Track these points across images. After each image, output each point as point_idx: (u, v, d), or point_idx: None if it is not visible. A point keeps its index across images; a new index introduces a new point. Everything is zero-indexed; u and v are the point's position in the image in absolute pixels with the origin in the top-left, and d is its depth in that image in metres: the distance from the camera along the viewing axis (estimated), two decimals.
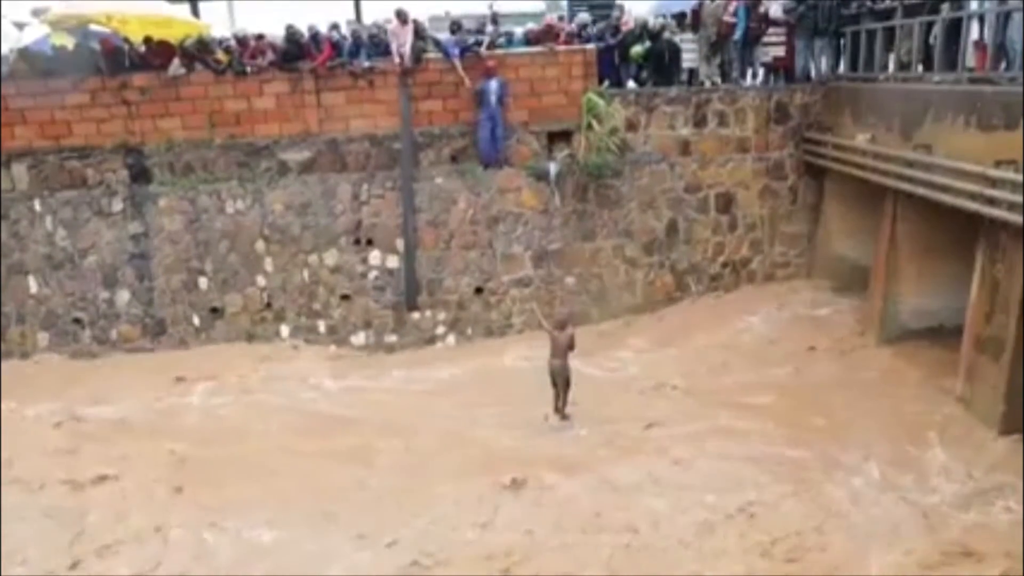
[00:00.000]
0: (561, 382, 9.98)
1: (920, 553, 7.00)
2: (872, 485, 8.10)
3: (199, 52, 12.54)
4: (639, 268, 13.34)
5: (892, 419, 9.20)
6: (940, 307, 10.85)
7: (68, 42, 12.82)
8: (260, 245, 12.83)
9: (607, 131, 12.77)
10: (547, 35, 13.34)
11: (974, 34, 10.09)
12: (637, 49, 13.08)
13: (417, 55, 12.49)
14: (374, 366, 12.39)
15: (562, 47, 13.09)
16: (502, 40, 13.49)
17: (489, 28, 13.72)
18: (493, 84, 12.43)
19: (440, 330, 13.17)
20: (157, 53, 12.62)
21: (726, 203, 13.36)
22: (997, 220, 8.63)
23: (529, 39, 13.55)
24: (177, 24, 13.94)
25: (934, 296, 10.96)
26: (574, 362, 10.00)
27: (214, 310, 12.88)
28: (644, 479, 8.41)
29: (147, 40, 12.70)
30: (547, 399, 9.98)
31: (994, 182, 8.61)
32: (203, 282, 12.81)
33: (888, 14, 11.74)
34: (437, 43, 12.88)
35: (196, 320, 12.86)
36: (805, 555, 7.12)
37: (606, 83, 13.18)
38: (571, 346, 9.93)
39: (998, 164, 8.55)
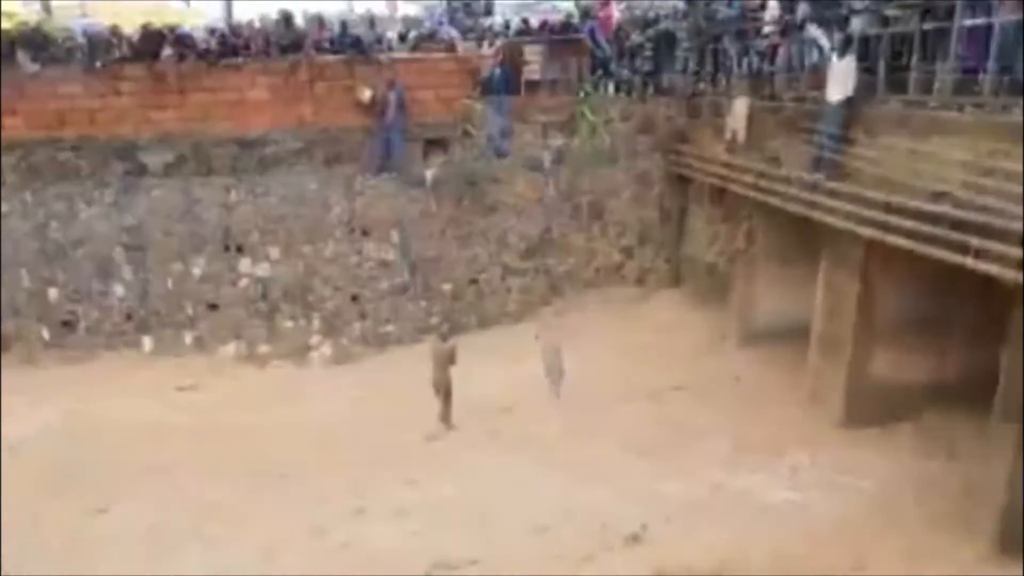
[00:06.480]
0: (444, 392, 10.07)
1: (762, 547, 7.37)
2: (720, 483, 8.51)
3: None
4: (515, 274, 13.54)
5: (748, 418, 9.70)
6: (794, 309, 11.51)
7: None
8: (118, 253, 12.12)
9: (483, 138, 12.91)
10: (429, 41, 13.40)
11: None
12: None
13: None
14: None
15: (439, 55, 13.14)
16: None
17: (361, 30, 13.53)
18: (393, 94, 12.27)
19: (315, 339, 12.86)
20: None
21: (598, 210, 13.77)
22: (838, 228, 9.28)
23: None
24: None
25: (787, 299, 11.64)
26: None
27: (66, 323, 12.04)
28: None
29: None
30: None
31: (834, 193, 9.28)
32: (53, 293, 11.96)
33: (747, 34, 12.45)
34: None
35: (45, 334, 11.98)
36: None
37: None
38: (452, 359, 10.01)
39: (936, 196, 7.83)
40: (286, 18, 12.66)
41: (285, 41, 12.47)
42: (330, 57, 12.56)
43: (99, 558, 7.50)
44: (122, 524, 8.10)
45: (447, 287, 13.23)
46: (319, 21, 13.19)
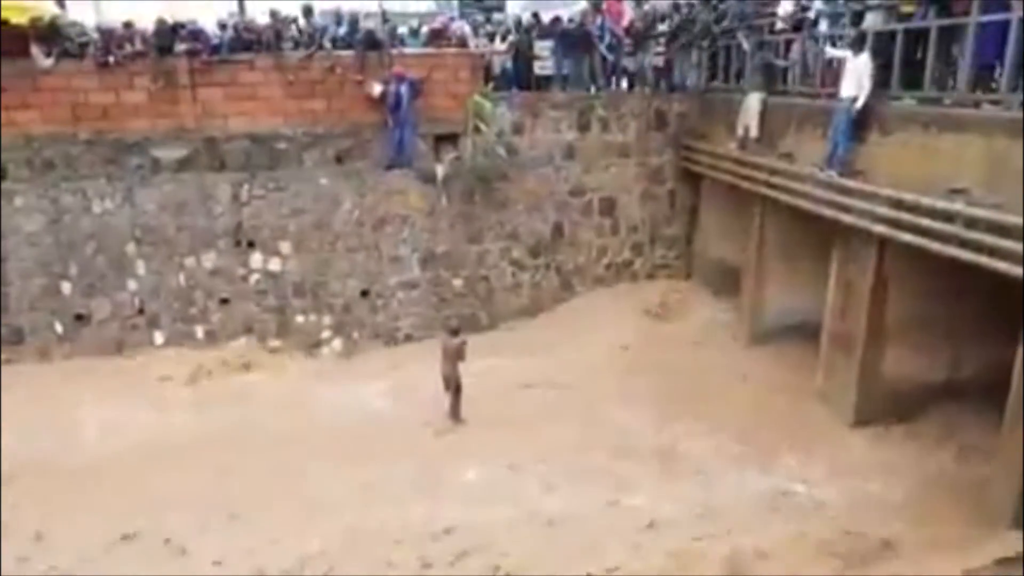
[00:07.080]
0: (452, 387, 10.09)
1: (766, 542, 7.38)
2: (728, 482, 8.53)
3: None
4: (526, 270, 13.53)
5: (756, 416, 9.70)
6: (804, 306, 11.49)
7: None
8: (131, 247, 12.17)
9: (494, 134, 12.90)
10: (440, 36, 13.39)
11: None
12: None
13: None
14: None
15: (451, 50, 13.13)
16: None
17: (370, 24, 13.51)
18: (404, 88, 12.26)
19: (325, 334, 12.89)
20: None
21: (609, 206, 13.74)
22: (850, 226, 9.24)
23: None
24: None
25: (798, 296, 11.61)
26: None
27: (79, 317, 12.11)
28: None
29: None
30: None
31: (847, 190, 9.24)
32: (66, 287, 12.03)
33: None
34: None
35: (59, 328, 12.05)
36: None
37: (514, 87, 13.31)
38: (461, 354, 10.01)
39: (952, 192, 7.72)
40: (306, 11, 12.65)
41: (298, 37, 12.51)
42: (342, 52, 12.57)
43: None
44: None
45: (457, 283, 13.24)
46: (336, 16, 13.19)
